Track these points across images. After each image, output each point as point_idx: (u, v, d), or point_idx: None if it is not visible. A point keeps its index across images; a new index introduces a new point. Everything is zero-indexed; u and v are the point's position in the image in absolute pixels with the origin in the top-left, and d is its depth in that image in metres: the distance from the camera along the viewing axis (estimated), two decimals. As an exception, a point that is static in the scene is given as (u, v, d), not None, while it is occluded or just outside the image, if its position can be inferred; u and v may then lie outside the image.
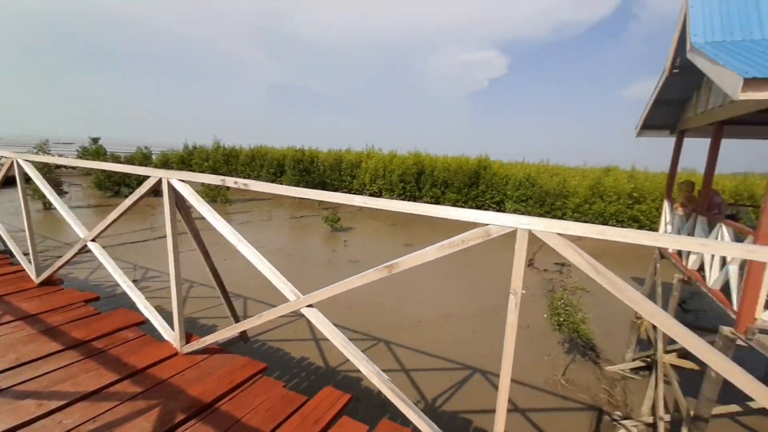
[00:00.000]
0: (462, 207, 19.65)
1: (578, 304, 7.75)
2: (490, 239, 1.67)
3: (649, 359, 6.94)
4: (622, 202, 18.56)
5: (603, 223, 18.46)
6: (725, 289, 4.46)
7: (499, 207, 21.52)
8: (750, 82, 3.37)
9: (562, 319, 7.48)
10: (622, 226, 19.98)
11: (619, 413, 6.21)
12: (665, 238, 1.32)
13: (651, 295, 7.18)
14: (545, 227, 1.51)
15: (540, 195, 20.28)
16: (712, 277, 4.67)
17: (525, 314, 9.40)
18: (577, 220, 18.85)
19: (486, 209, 20.97)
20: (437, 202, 22.89)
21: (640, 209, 18.18)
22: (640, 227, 17.82)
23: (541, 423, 5.88)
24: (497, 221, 1.60)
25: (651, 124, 7.93)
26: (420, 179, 24.13)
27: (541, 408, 6.22)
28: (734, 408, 5.25)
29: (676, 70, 6.31)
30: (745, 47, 4.69)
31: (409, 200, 23.54)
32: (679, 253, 6.03)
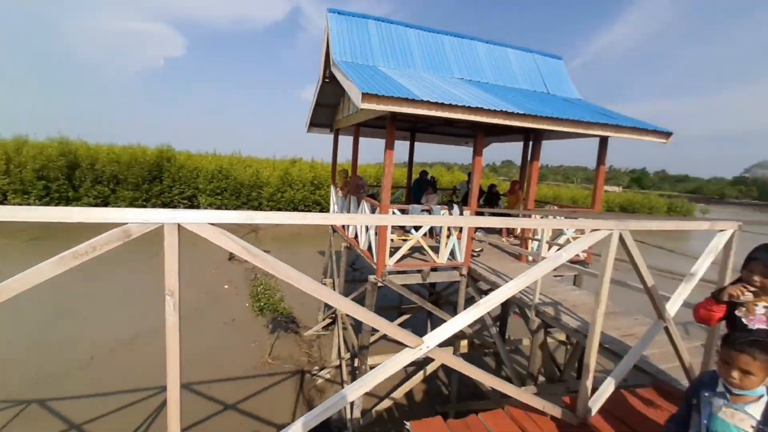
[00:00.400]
0: (144, 206, 16.66)
1: (276, 286, 8.43)
2: (132, 239, 1.40)
3: (334, 315, 8.54)
4: (307, 189, 21.60)
5: (294, 209, 20.89)
6: (370, 248, 6.05)
7: (192, 203, 19.89)
8: (366, 96, 4.58)
9: (262, 304, 7.91)
10: (309, 210, 23.09)
11: (317, 368, 7.33)
12: (292, 215, 1.55)
13: (329, 262, 8.80)
14: (196, 219, 1.42)
15: (235, 187, 20.36)
16: (362, 241, 6.22)
17: (230, 308, 9.27)
18: (272, 208, 20.35)
19: (176, 206, 18.86)
20: (106, 204, 18.24)
21: (320, 194, 21.82)
22: (322, 209, 21.48)
23: (255, 407, 6.05)
24: (138, 218, 1.36)
25: (316, 122, 9.49)
26: (75, 175, 18.23)
27: (253, 393, 6.38)
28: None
29: (327, 80, 7.79)
30: (364, 70, 6.35)
31: (58, 203, 17.50)
32: (344, 226, 7.67)
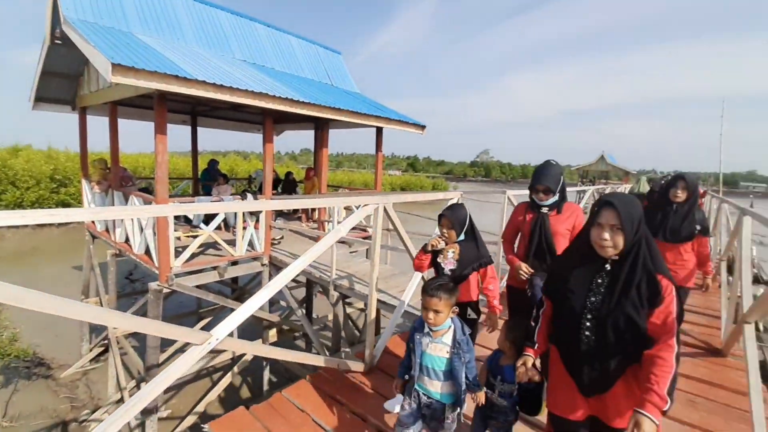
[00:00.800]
0: None
1: (2, 321, 6.07)
2: None
3: (106, 340, 6.88)
4: (44, 186, 16.14)
5: (26, 215, 15.27)
6: (149, 251, 5.12)
7: None
8: (118, 68, 3.75)
9: (-21, 351, 5.57)
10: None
11: (87, 411, 5.79)
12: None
13: (91, 278, 6.99)
14: None
15: None
16: (136, 244, 5.20)
17: None
18: (-17, 216, 14.24)
19: None
20: None
21: (68, 192, 16.72)
22: (75, 212, 16.56)
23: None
24: None
25: (47, 96, 7.16)
26: None
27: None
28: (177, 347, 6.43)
29: (59, 41, 5.92)
30: (114, 34, 5.16)
31: None
32: (107, 230, 6.17)
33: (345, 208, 6.77)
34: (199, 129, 9.29)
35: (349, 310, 7.74)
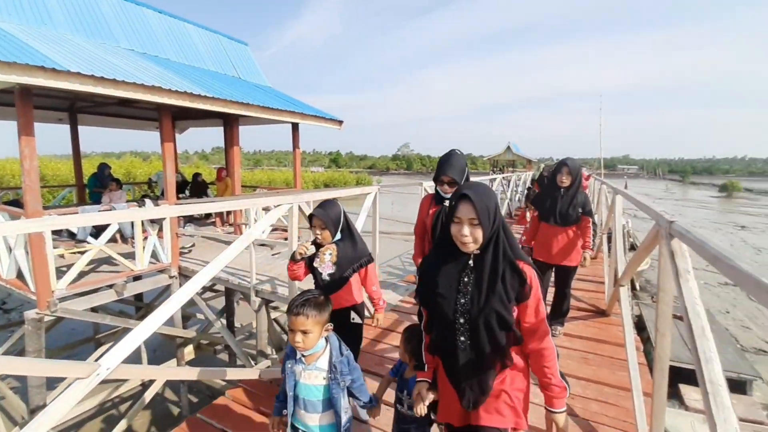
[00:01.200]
0: None
1: None
2: None
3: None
4: None
5: None
6: (22, 275, 4.31)
7: None
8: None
9: None
10: None
11: (-50, 477, 4.73)
12: None
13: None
14: None
15: None
16: (4, 268, 4.34)
17: None
18: None
19: None
20: None
21: None
22: None
23: None
24: None
25: None
26: None
27: None
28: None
29: None
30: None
31: None
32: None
33: (263, 209, 6.45)
34: (81, 128, 8.06)
35: (276, 314, 7.42)
